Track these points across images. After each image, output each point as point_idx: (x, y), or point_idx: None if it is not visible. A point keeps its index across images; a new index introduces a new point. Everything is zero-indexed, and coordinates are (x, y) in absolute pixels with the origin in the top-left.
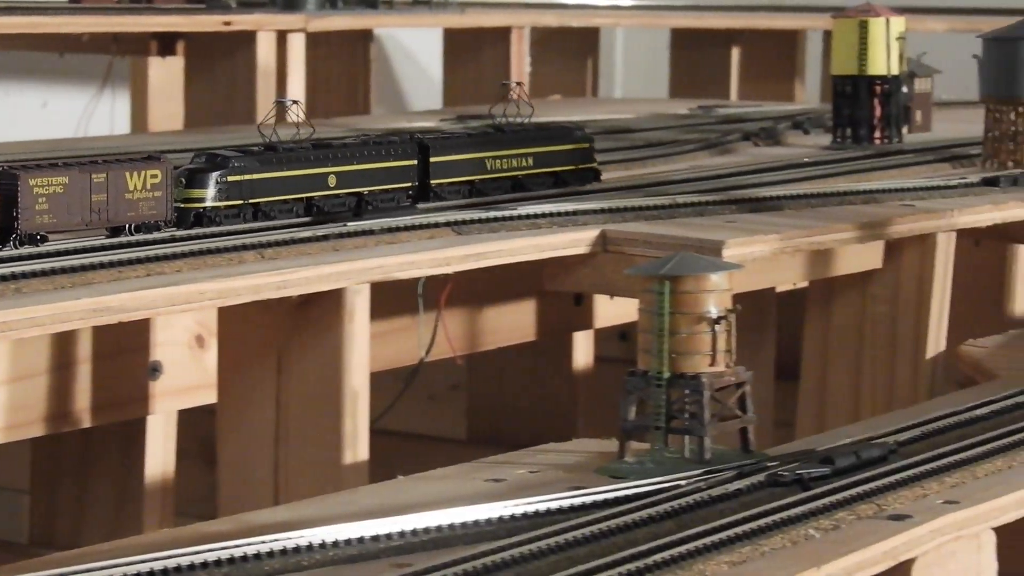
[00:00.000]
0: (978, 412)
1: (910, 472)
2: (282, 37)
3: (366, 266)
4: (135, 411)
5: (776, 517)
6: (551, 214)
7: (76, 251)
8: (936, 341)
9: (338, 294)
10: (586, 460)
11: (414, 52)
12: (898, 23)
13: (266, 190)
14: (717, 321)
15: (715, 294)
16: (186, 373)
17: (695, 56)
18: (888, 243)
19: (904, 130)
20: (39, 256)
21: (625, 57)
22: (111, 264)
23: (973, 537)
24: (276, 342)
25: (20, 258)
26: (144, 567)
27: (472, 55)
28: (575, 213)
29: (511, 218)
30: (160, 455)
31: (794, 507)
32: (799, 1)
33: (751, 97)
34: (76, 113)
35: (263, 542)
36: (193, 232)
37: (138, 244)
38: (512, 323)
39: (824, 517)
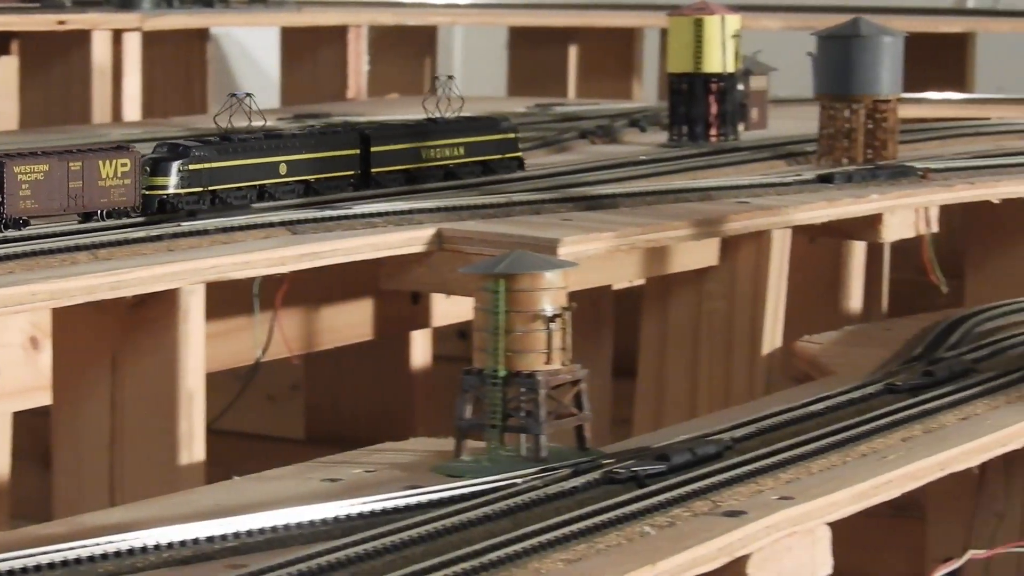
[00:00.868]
0: (813, 408)
1: (745, 468)
2: (117, 36)
3: (201, 266)
4: None
5: (611, 515)
6: (387, 213)
7: None
8: (772, 338)
9: (173, 294)
10: (423, 459)
11: (251, 51)
12: (733, 21)
13: (223, 178)
14: (552, 319)
15: (550, 292)
16: (20, 375)
17: (533, 54)
18: (724, 240)
19: (740, 127)
20: None
21: (464, 56)
22: None
23: (808, 532)
24: (111, 343)
25: None
26: None
27: (309, 54)
28: (411, 212)
29: (346, 217)
30: None
31: (629, 504)
32: None
33: (589, 95)
34: None
35: (97, 544)
36: (25, 233)
37: None
38: (349, 322)
39: (659, 514)
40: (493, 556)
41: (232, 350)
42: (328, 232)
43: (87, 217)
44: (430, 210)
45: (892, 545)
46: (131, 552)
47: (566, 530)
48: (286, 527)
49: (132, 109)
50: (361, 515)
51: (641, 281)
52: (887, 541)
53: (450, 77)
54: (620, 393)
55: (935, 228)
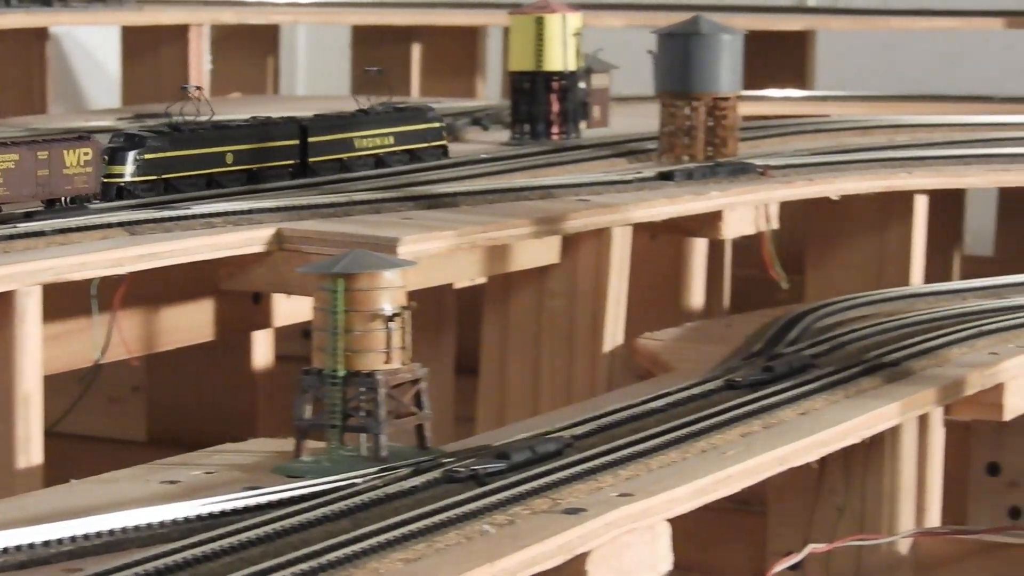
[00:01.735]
0: (653, 405)
1: (585, 466)
2: None
3: (37, 267)
4: None
5: (451, 514)
6: (226, 213)
7: None
8: (613, 335)
9: (8, 296)
10: (263, 460)
11: (92, 50)
12: (575, 19)
13: (175, 167)
14: (391, 318)
15: (389, 291)
16: None
17: (376, 53)
18: (565, 238)
19: (582, 126)
20: None
21: (307, 54)
22: None
23: (648, 529)
24: None
25: None
26: None
27: (151, 53)
28: (250, 212)
29: (185, 217)
30: None
31: (469, 503)
32: None
33: (433, 94)
34: None
35: None
36: None
37: None
38: (190, 323)
39: (499, 512)
40: (332, 556)
41: (71, 352)
42: (167, 233)
43: (51, 204)
44: (270, 210)
45: (733, 540)
46: None
47: (405, 530)
48: (123, 530)
49: None
50: (200, 517)
51: (483, 279)
52: (728, 536)
53: (197, 87)
54: (464, 391)
55: (775, 224)
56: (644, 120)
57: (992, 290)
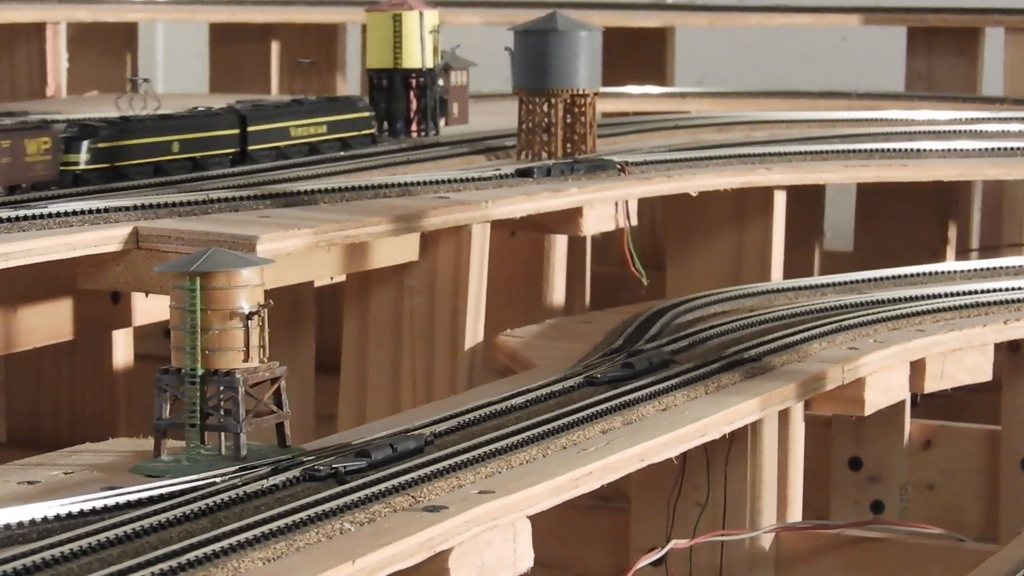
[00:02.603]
0: (514, 402)
1: (446, 463)
2: None
3: None
4: None
5: (311, 512)
6: (83, 211)
7: None
8: (474, 332)
9: None
10: (122, 460)
11: None
12: (432, 16)
13: (126, 155)
14: (249, 317)
15: (247, 289)
16: None
17: (234, 51)
18: (424, 235)
19: (440, 123)
20: None
21: (166, 52)
22: None
23: (508, 526)
24: None
25: None
26: None
27: (6, 52)
28: (107, 210)
29: (41, 216)
30: None
31: (329, 501)
32: None
33: (291, 91)
34: None
35: None
36: None
37: None
38: (48, 323)
39: (359, 510)
40: (191, 556)
41: None
42: (22, 232)
43: (11, 190)
44: (127, 208)
45: (596, 536)
46: None
47: (265, 528)
48: None
49: None
50: (58, 517)
51: (342, 277)
52: (591, 532)
53: (146, 80)
54: (325, 389)
55: (635, 221)
56: (503, 117)
57: (851, 285)
